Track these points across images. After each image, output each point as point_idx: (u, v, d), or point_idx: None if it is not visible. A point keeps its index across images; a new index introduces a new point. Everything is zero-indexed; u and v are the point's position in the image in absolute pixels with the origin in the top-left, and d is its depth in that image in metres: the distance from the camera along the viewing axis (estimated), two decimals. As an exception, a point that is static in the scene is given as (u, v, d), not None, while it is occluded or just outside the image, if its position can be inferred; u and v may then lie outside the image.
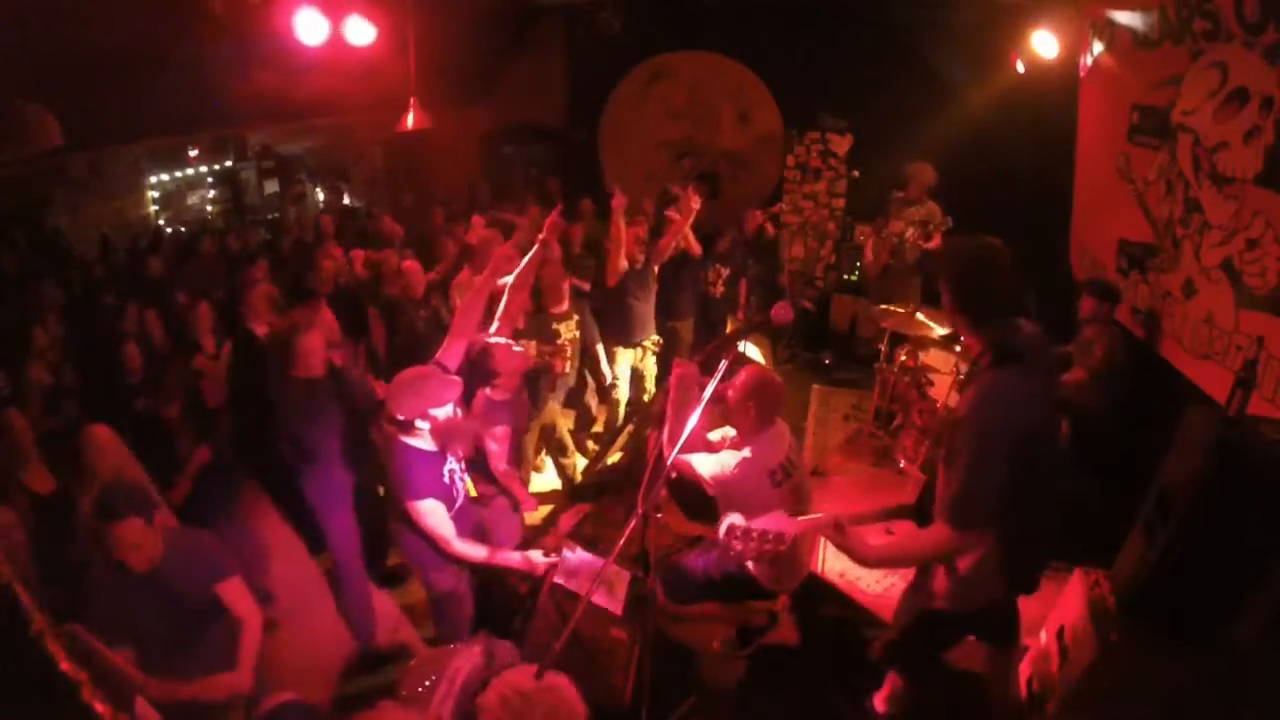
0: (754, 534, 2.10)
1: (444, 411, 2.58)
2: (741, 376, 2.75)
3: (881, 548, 2.17)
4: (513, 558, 2.74)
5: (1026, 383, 1.96)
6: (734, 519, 2.23)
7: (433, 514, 2.59)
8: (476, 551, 2.68)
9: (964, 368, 4.04)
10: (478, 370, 3.10)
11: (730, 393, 2.72)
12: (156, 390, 3.54)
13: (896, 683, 2.70)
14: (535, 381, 4.11)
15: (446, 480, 2.68)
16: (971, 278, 2.03)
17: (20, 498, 2.83)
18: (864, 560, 2.13)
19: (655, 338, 5.11)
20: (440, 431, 2.59)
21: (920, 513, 2.27)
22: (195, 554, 2.49)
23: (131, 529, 2.24)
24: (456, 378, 2.72)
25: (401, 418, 2.53)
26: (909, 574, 3.70)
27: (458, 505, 2.73)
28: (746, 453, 2.69)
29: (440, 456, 2.66)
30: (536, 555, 2.76)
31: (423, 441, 2.59)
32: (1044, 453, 2.05)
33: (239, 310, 4.15)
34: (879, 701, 2.78)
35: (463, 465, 2.84)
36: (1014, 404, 1.93)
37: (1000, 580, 2.10)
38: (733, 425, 2.82)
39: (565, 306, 4.51)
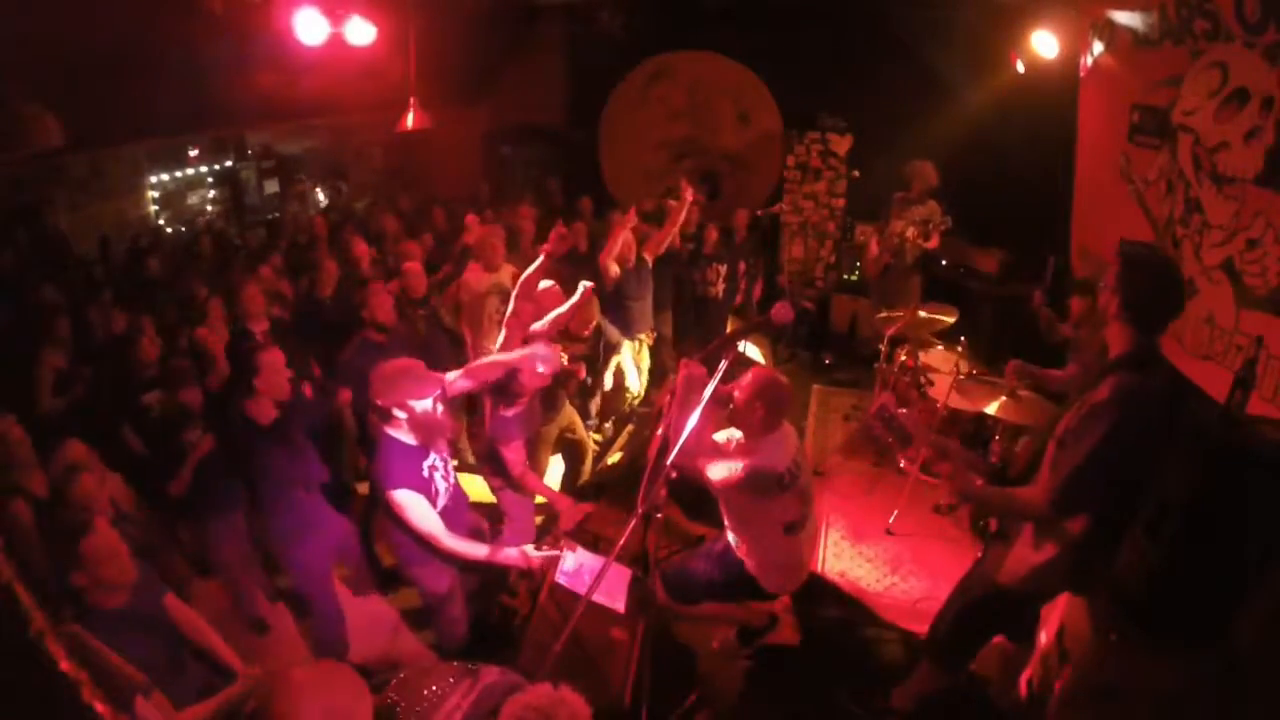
0: (895, 423, 2.47)
1: (422, 405, 2.62)
2: (749, 378, 2.74)
3: (985, 489, 2.36)
4: (509, 554, 2.72)
5: (1164, 391, 2.07)
6: (886, 399, 2.52)
7: (413, 506, 2.59)
8: (470, 549, 2.66)
9: (964, 367, 4.04)
10: (503, 390, 3.14)
11: (737, 394, 2.72)
12: (170, 379, 3.50)
13: (922, 675, 2.69)
14: (554, 389, 4.12)
15: (425, 475, 2.70)
16: (1160, 287, 2.10)
17: (23, 503, 2.81)
18: (965, 490, 2.32)
19: (651, 330, 5.18)
20: (416, 424, 2.63)
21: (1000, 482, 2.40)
22: (146, 573, 2.38)
23: (103, 536, 2.12)
24: (437, 375, 2.76)
25: (380, 404, 2.59)
26: (910, 574, 3.71)
27: (443, 502, 2.74)
28: (755, 457, 2.67)
29: (420, 451, 2.69)
30: (532, 551, 2.74)
31: (402, 433, 2.64)
32: (1152, 458, 2.12)
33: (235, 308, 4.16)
34: (897, 697, 2.78)
35: (446, 463, 2.84)
36: (1155, 407, 2.03)
37: (1070, 572, 2.21)
38: (739, 427, 2.81)
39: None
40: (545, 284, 3.80)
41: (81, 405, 3.66)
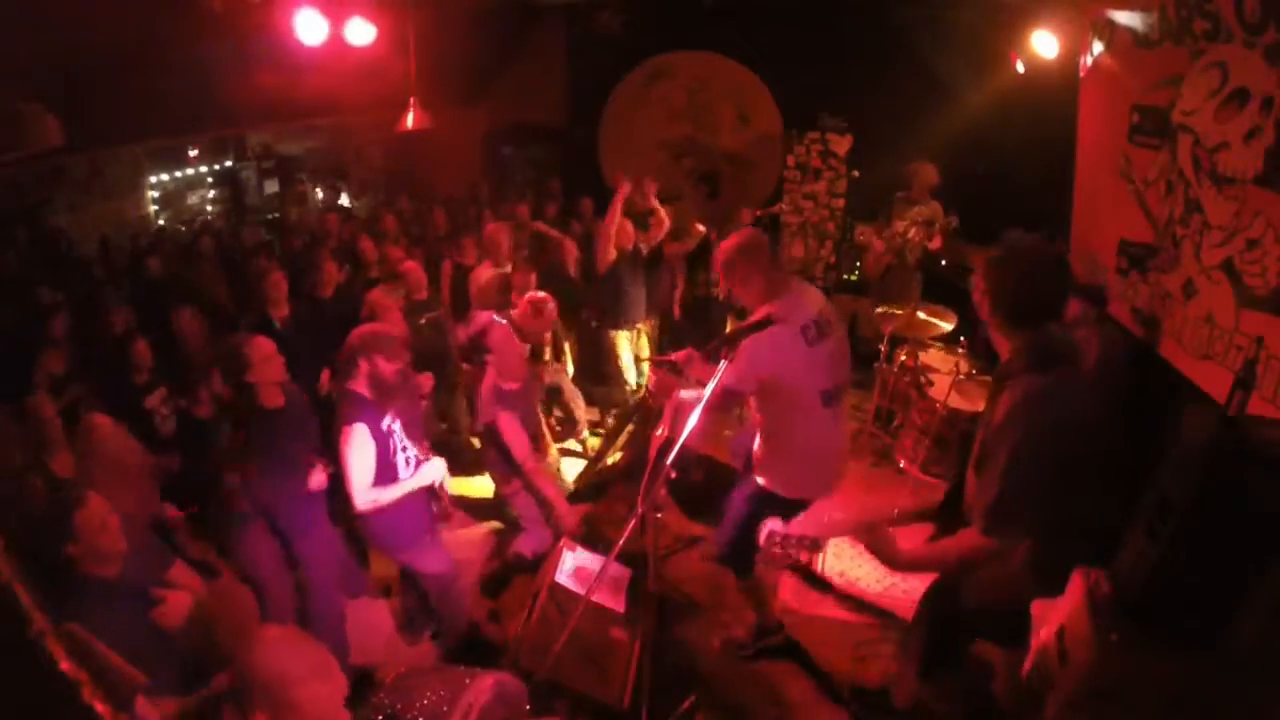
0: (792, 540, 2.15)
1: (386, 366, 2.75)
2: (720, 252, 2.74)
3: (913, 553, 2.17)
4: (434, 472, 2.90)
5: (1065, 384, 1.97)
6: (773, 525, 2.24)
7: (359, 444, 2.68)
8: (390, 491, 2.78)
9: (964, 367, 4.04)
10: (475, 346, 3.19)
11: (723, 277, 2.76)
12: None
13: (907, 679, 2.69)
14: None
15: (384, 430, 2.80)
16: (1015, 281, 2.00)
17: (39, 481, 2.82)
18: (894, 564, 2.13)
19: (648, 320, 5.26)
20: (374, 379, 2.75)
21: (944, 517, 2.27)
22: (145, 544, 2.42)
23: (94, 509, 2.14)
24: (404, 353, 2.93)
25: (344, 358, 2.75)
26: (909, 575, 3.71)
27: (405, 473, 2.85)
28: (774, 327, 2.46)
29: (377, 407, 2.79)
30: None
31: (361, 386, 2.78)
32: (1089, 451, 2.04)
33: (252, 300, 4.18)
34: (898, 696, 2.78)
35: (405, 440, 2.92)
36: (1055, 406, 1.92)
37: (1033, 581, 2.12)
38: (747, 305, 2.72)
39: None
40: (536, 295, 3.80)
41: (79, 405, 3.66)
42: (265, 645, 1.56)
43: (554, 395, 4.98)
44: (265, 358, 2.97)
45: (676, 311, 5.80)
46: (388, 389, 2.79)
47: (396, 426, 2.87)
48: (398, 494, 2.80)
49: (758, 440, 2.87)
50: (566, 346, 5.33)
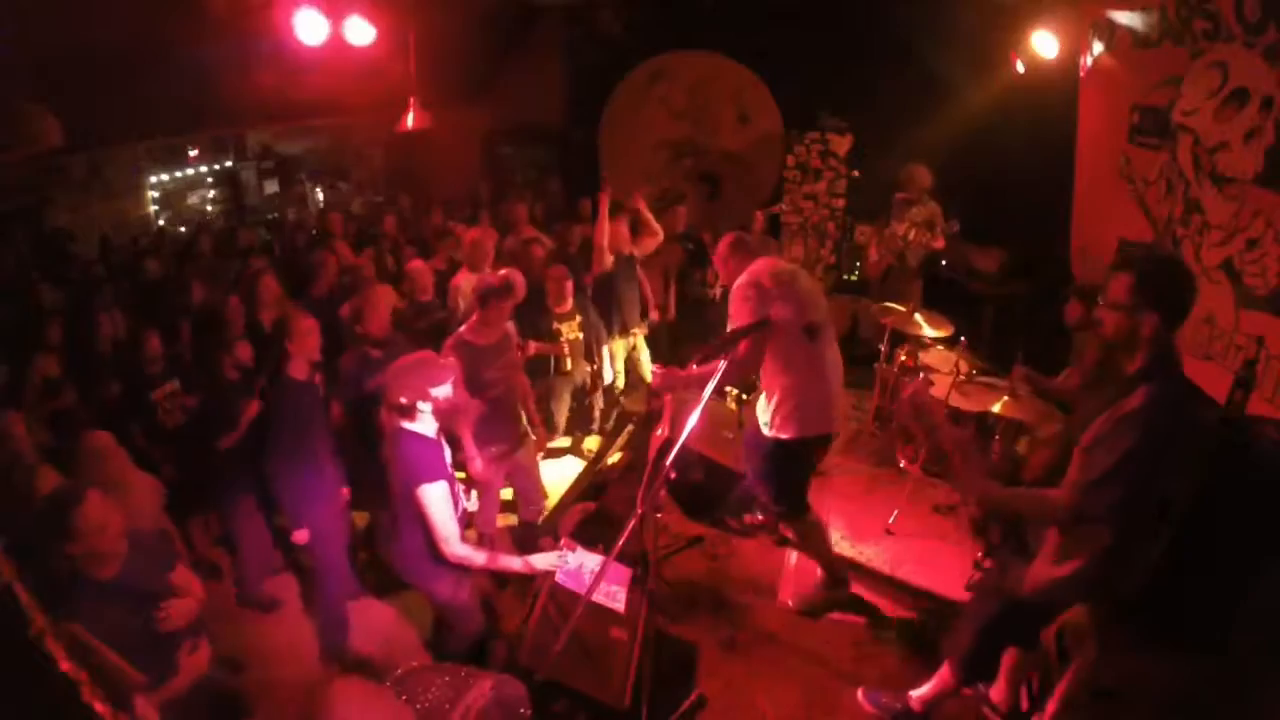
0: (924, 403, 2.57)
1: (443, 391, 2.60)
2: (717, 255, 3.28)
3: (1001, 492, 2.32)
4: (513, 563, 2.71)
5: (1189, 397, 2.06)
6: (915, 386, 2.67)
7: (440, 502, 2.55)
8: (476, 556, 2.62)
9: (964, 368, 4.03)
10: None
11: (728, 284, 3.15)
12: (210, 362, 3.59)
13: (943, 679, 2.69)
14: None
15: (449, 470, 2.67)
16: (1178, 282, 2.08)
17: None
18: (983, 494, 2.31)
19: (643, 325, 5.26)
20: (441, 410, 2.61)
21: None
22: (147, 545, 2.41)
23: (92, 508, 2.13)
24: (453, 361, 2.83)
25: (404, 401, 2.55)
26: (910, 574, 3.70)
27: (458, 504, 2.71)
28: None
29: (439, 444, 2.66)
30: (539, 560, 2.73)
31: (424, 426, 2.61)
32: (1179, 465, 2.09)
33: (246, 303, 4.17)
34: (915, 702, 2.77)
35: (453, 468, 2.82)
36: (1184, 414, 2.01)
37: (1092, 585, 2.17)
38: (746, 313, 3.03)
39: (568, 306, 4.54)
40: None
41: (76, 409, 3.65)
42: (342, 701, 1.48)
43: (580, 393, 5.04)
44: (307, 330, 3.17)
45: (672, 312, 5.80)
46: (453, 412, 2.71)
47: (448, 455, 2.76)
48: (475, 562, 2.66)
49: (762, 400, 3.21)
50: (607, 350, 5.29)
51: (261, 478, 3.32)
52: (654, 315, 5.59)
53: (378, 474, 2.77)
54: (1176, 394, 2.02)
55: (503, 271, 3.73)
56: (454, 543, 2.57)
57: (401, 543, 2.71)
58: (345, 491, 3.51)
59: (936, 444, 2.66)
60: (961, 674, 2.60)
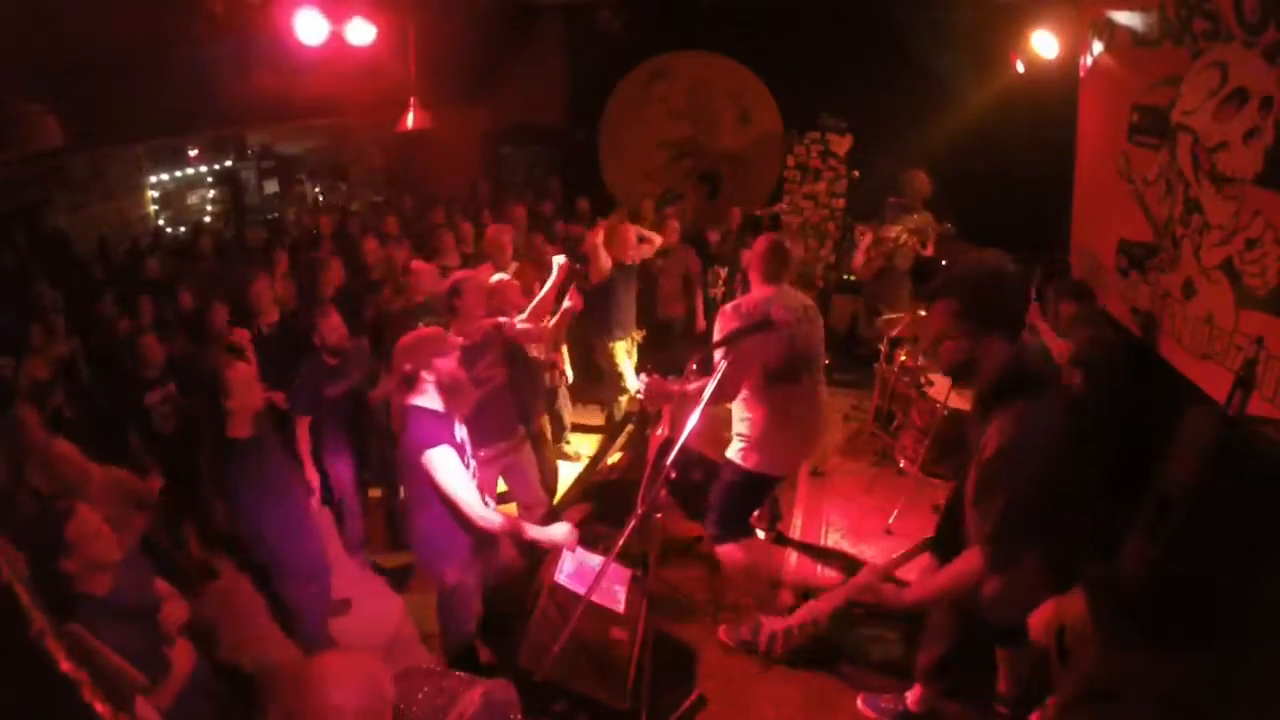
0: (794, 630, 2.40)
1: (448, 365, 2.62)
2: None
3: (918, 592, 2.21)
4: (531, 530, 2.71)
5: (1047, 406, 1.97)
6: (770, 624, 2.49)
7: (449, 466, 2.53)
8: (494, 518, 2.62)
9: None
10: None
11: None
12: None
13: (929, 687, 2.70)
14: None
15: (459, 442, 2.67)
16: (1007, 296, 1.99)
17: (29, 495, 2.82)
18: (902, 607, 2.21)
19: (639, 330, 5.25)
20: (444, 384, 2.61)
21: (940, 546, 2.29)
22: (135, 559, 2.39)
23: (85, 519, 2.12)
24: (455, 339, 2.84)
25: (408, 369, 2.58)
26: (910, 575, 3.70)
27: (472, 473, 2.72)
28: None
29: (449, 419, 2.65)
30: (556, 531, 2.73)
31: (430, 400, 2.62)
32: (1068, 465, 2.05)
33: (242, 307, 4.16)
34: (913, 703, 2.78)
35: (468, 444, 2.81)
36: (1043, 431, 1.92)
37: (1045, 592, 2.14)
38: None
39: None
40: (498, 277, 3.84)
41: (76, 409, 3.65)
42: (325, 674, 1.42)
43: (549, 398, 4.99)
44: (244, 381, 2.92)
45: (700, 322, 5.79)
46: (456, 389, 2.66)
47: (463, 434, 2.75)
48: (492, 524, 2.65)
49: (736, 415, 3.13)
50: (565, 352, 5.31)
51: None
52: (676, 310, 5.57)
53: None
54: (1032, 419, 1.91)
55: (465, 271, 3.73)
56: (473, 506, 2.56)
57: (413, 521, 2.74)
58: (315, 501, 3.44)
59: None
60: (935, 685, 2.63)
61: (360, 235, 5.71)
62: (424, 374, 2.57)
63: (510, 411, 3.67)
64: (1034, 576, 2.08)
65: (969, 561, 2.04)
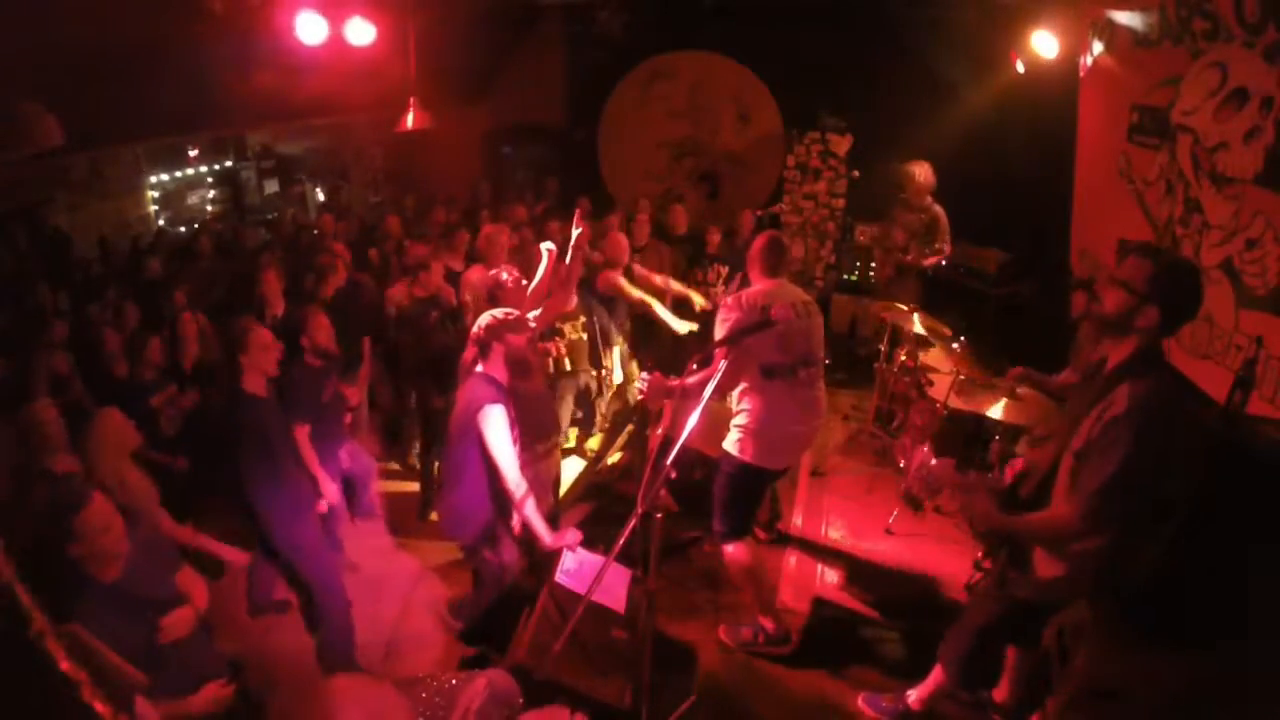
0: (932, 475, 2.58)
1: (519, 339, 2.88)
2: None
3: (1008, 520, 2.26)
4: (540, 524, 2.84)
5: (1174, 391, 2.03)
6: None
7: (500, 426, 2.75)
8: (521, 490, 2.79)
9: (964, 368, 4.03)
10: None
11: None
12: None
13: (937, 681, 2.69)
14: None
15: (511, 418, 2.85)
16: (1191, 290, 2.04)
17: (46, 485, 2.82)
18: (986, 520, 2.30)
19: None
20: (515, 356, 2.88)
21: (1013, 500, 2.33)
22: (153, 547, 2.40)
23: (96, 509, 2.12)
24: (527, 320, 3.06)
25: (482, 334, 2.84)
26: (914, 564, 3.70)
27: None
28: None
29: (508, 395, 2.87)
30: (566, 537, 2.89)
31: (495, 370, 2.87)
32: (1168, 470, 2.09)
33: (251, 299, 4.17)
34: (914, 702, 2.78)
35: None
36: (1171, 410, 1.98)
37: (1090, 581, 2.16)
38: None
39: (572, 306, 4.53)
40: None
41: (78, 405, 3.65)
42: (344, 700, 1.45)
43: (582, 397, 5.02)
44: (264, 345, 3.07)
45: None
46: (524, 363, 2.93)
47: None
48: (522, 497, 2.82)
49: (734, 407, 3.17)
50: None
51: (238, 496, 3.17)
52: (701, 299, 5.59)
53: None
54: (1165, 392, 2.00)
55: (506, 268, 3.71)
56: (511, 470, 2.77)
57: (456, 490, 2.92)
58: (322, 505, 3.40)
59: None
60: (956, 676, 2.60)
61: (365, 235, 5.72)
62: (496, 345, 2.81)
63: (547, 418, 3.67)
64: (1098, 560, 2.10)
65: (1063, 514, 2.09)
